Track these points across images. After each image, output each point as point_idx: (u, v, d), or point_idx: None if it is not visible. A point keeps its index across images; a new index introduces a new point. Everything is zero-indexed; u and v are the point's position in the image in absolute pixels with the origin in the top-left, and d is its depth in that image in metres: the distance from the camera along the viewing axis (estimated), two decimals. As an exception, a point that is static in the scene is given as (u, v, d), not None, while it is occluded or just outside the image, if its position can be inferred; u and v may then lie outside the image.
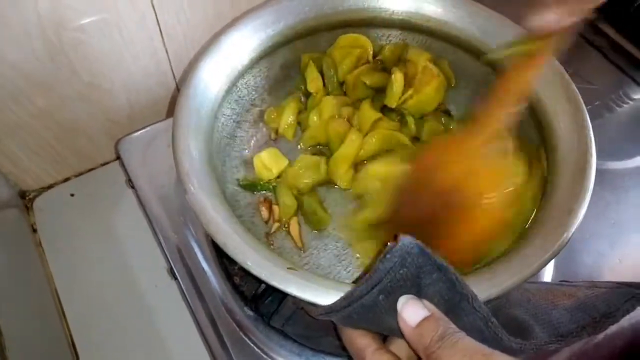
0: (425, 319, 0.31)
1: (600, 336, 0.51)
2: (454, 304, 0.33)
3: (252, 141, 0.55)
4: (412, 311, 0.32)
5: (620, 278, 0.43)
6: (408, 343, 0.32)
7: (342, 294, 0.35)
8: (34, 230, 0.65)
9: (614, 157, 0.61)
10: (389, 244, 0.33)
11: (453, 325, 0.31)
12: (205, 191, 0.41)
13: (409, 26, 0.54)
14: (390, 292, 0.33)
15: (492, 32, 0.51)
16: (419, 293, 0.33)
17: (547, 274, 0.53)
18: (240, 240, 0.38)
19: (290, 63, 0.56)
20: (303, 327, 0.48)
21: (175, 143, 0.43)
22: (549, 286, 0.44)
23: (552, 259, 0.37)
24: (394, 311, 0.33)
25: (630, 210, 0.58)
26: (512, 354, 0.30)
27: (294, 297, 0.36)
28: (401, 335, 0.34)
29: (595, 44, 0.71)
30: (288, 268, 0.37)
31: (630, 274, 0.54)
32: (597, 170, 0.59)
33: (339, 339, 0.39)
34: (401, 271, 0.32)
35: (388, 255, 0.32)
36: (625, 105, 0.66)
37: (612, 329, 0.51)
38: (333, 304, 0.34)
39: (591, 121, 0.63)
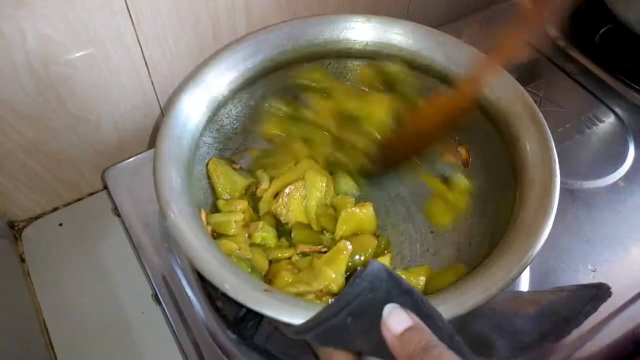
0: (409, 328, 0.33)
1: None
2: None
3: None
4: (396, 320, 0.33)
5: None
6: (391, 351, 0.33)
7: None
8: (22, 260, 0.65)
9: (585, 176, 0.63)
10: (358, 268, 0.35)
11: (435, 337, 0.32)
12: (185, 217, 0.42)
13: (382, 56, 0.57)
14: (358, 315, 0.34)
15: (460, 59, 0.54)
16: None
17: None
18: (218, 264, 0.39)
19: (270, 93, 0.58)
20: (283, 344, 0.49)
21: (156, 171, 0.44)
22: (515, 294, 0.45)
23: (516, 277, 0.39)
24: (362, 333, 0.34)
25: (602, 228, 0.59)
26: None
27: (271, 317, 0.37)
28: (372, 354, 0.35)
29: (565, 69, 0.74)
30: (265, 290, 0.38)
31: (604, 290, 0.55)
32: (570, 190, 0.61)
33: (315, 355, 0.40)
34: (369, 295, 0.33)
35: (357, 280, 0.33)
36: (595, 127, 0.68)
37: (591, 349, 0.52)
38: (302, 324, 0.35)
39: (563, 142, 0.66)
